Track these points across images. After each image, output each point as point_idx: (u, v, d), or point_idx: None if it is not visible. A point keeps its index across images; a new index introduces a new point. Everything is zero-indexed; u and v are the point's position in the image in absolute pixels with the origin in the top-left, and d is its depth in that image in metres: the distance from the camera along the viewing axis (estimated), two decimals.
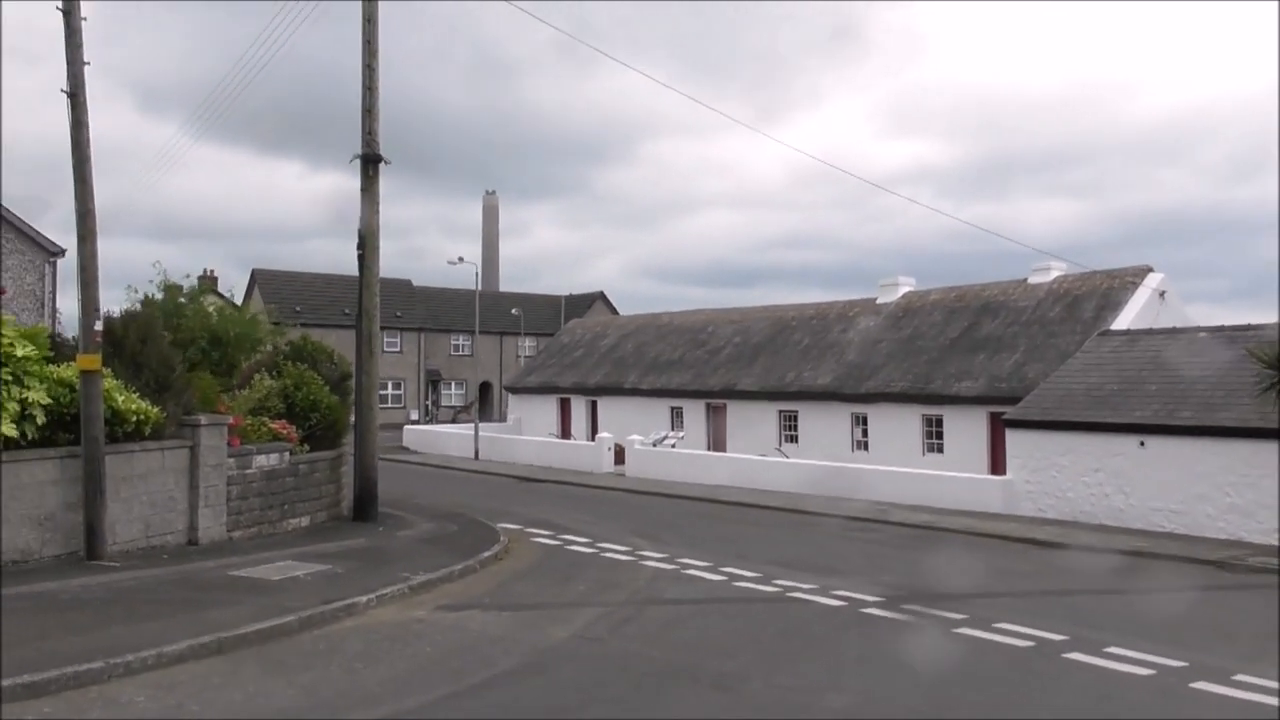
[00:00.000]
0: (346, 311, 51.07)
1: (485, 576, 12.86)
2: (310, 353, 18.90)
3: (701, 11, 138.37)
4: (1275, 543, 16.49)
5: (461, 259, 34.51)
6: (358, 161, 17.04)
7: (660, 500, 23.79)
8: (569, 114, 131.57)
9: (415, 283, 53.89)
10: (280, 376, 16.64)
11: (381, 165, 17.21)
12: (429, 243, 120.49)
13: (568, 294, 59.07)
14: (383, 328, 52.16)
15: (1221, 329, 20.48)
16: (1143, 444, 18.65)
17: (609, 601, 11.47)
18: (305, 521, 15.73)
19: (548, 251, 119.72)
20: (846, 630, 10.28)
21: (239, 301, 49.41)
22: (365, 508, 16.88)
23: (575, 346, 39.77)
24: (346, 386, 18.36)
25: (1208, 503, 17.60)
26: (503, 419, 44.45)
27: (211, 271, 62.41)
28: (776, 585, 12.54)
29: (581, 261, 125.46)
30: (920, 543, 17.09)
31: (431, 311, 54.10)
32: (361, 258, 17.19)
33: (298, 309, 46.53)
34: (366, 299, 17.25)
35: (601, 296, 59.11)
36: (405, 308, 53.29)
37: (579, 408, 37.27)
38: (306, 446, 16.20)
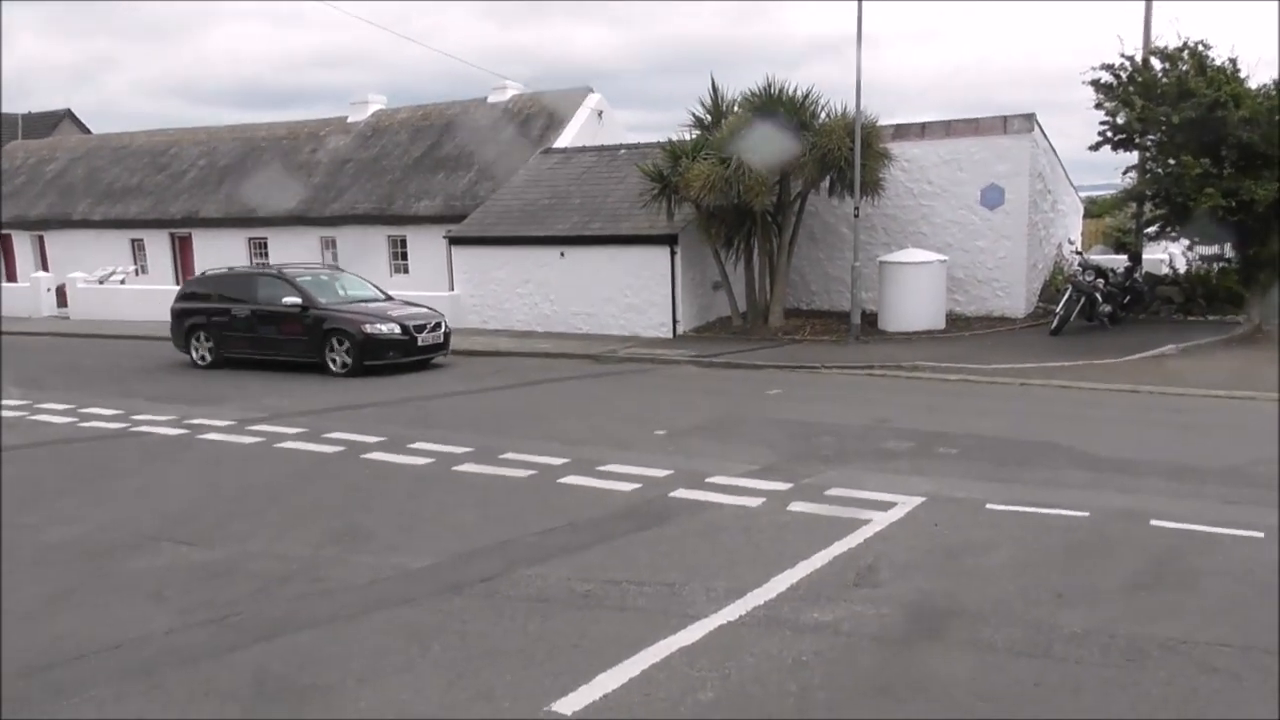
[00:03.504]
0: None
1: None
2: None
3: None
4: (662, 335, 18.84)
5: None
6: None
7: (90, 342, 21.58)
8: None
9: None
10: None
11: None
12: None
13: (25, 111, 49.96)
14: None
15: (637, 146, 22.31)
16: (563, 254, 20.08)
17: None
18: None
19: (38, 65, 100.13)
20: (162, 462, 9.85)
21: None
22: None
23: (16, 173, 33.88)
24: None
25: (612, 304, 19.54)
26: None
27: None
28: (131, 422, 11.75)
29: (85, 77, 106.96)
30: None
31: None
32: None
33: None
34: None
35: (69, 115, 50.63)
36: None
37: (23, 245, 32.24)
38: None
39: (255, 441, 10.45)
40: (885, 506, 7.39)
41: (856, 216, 16.94)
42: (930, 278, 17.73)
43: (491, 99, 26.53)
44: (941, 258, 17.98)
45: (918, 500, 7.54)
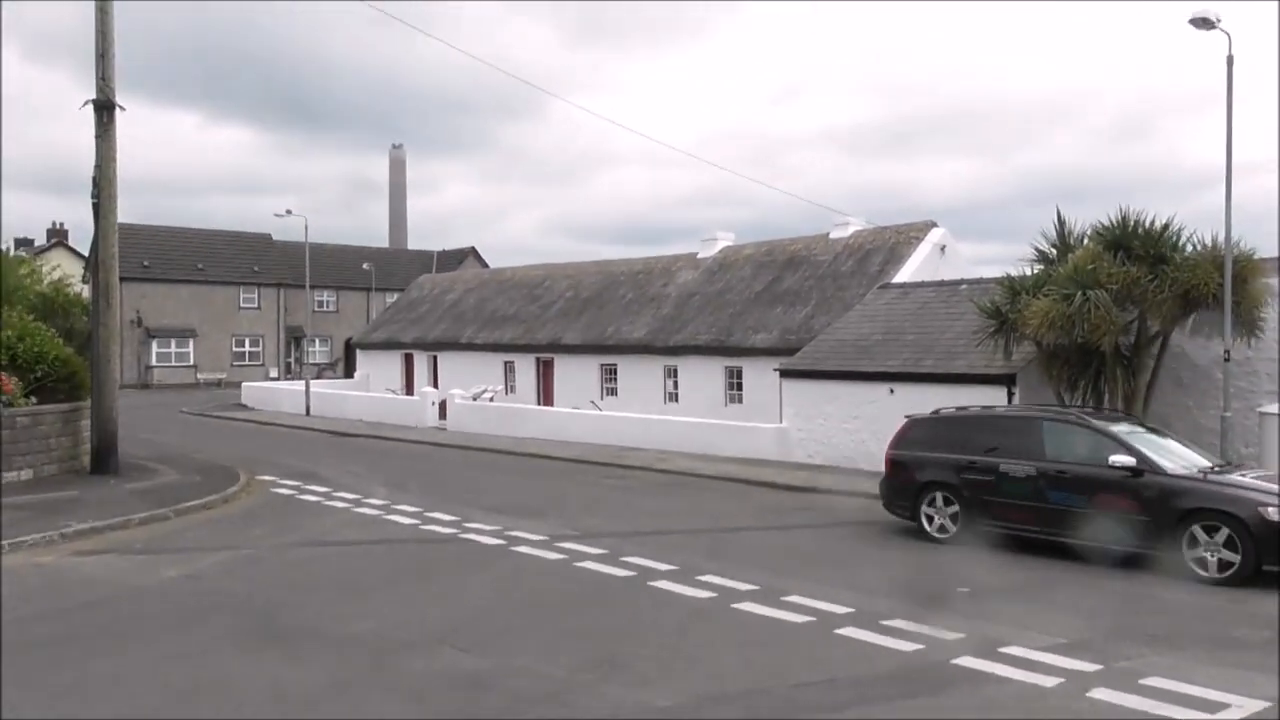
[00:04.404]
0: (200, 266, 49.93)
1: (173, 524, 12.93)
2: (63, 305, 18.60)
3: None
4: None
5: (290, 211, 33.89)
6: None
7: (455, 452, 24.01)
8: (475, 69, 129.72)
9: (275, 237, 52.73)
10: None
11: (118, 111, 16.91)
12: (334, 197, 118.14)
13: (440, 249, 58.71)
14: (239, 283, 51.54)
15: (979, 281, 21.32)
16: (892, 391, 19.44)
17: (268, 544, 11.67)
18: (28, 475, 15.56)
19: (460, 209, 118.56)
20: (471, 569, 10.62)
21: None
22: (104, 460, 16.73)
23: (422, 302, 39.59)
24: None
25: None
26: None
27: (61, 224, 60.38)
28: (462, 529, 12.85)
29: (495, 218, 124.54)
30: (663, 489, 17.57)
31: (294, 267, 53.15)
32: (96, 206, 16.87)
33: (145, 264, 45.18)
34: (103, 249, 16.96)
35: (473, 252, 58.81)
36: (263, 263, 52.25)
37: (421, 363, 37.21)
38: (34, 399, 15.99)
39: (557, 558, 10.96)
40: (1214, 708, 6.14)
41: (1227, 359, 14.78)
42: None
43: (834, 234, 26.86)
44: None
45: (1261, 705, 6.20)
